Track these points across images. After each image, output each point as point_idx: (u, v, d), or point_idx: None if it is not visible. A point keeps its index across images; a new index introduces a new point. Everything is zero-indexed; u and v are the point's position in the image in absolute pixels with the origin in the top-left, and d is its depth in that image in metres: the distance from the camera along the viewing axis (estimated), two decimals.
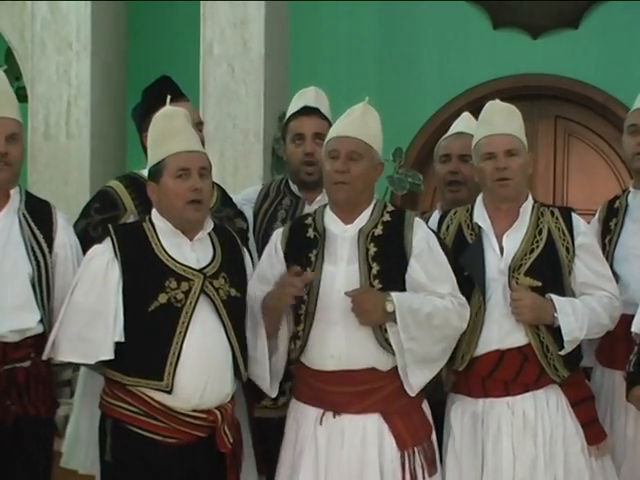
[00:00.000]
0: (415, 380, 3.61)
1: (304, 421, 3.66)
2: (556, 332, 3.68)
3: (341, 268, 3.65)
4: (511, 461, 3.65)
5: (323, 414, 3.61)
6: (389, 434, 3.60)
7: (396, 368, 3.62)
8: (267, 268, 3.74)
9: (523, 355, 3.70)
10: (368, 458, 3.58)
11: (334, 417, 3.61)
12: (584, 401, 3.79)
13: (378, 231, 3.67)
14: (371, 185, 3.75)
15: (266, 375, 3.67)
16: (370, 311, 3.56)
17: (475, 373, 3.74)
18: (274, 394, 3.74)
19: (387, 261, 3.63)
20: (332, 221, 3.71)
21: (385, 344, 3.59)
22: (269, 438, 3.90)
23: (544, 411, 3.69)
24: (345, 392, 3.60)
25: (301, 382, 3.71)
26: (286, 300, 3.58)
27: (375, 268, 3.62)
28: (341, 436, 3.60)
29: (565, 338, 3.66)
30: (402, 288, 3.63)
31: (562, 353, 3.68)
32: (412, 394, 3.63)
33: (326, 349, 3.60)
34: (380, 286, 3.60)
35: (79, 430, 3.99)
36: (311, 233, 3.71)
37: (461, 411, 3.77)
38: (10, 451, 3.60)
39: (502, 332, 3.70)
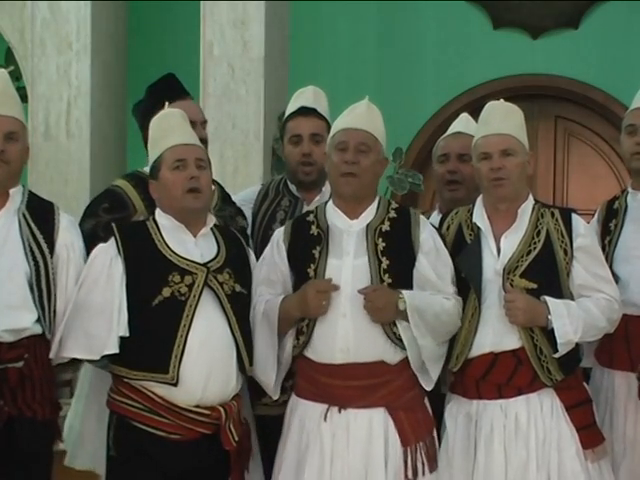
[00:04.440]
0: (435, 375, 3.67)
1: (307, 418, 3.65)
2: (550, 335, 3.65)
3: (347, 262, 3.64)
4: (502, 464, 3.64)
5: (328, 409, 3.61)
6: (394, 429, 3.61)
7: (404, 362, 3.64)
8: (271, 269, 3.73)
9: (517, 358, 3.68)
10: (374, 453, 3.59)
11: (339, 412, 3.60)
12: (580, 404, 3.75)
13: (385, 227, 3.69)
14: (377, 180, 3.77)
15: (272, 380, 3.68)
16: (383, 309, 3.58)
17: (469, 375, 3.73)
18: (277, 396, 3.74)
19: (396, 256, 3.65)
20: (336, 216, 3.71)
21: (394, 338, 3.61)
22: (268, 435, 3.88)
23: (537, 415, 3.67)
24: (352, 386, 3.60)
25: (303, 378, 3.70)
26: (323, 312, 3.58)
27: (385, 263, 3.63)
28: (346, 431, 3.59)
29: (559, 341, 3.64)
30: (410, 284, 3.66)
31: (556, 356, 3.66)
32: (429, 388, 3.68)
33: (335, 342, 3.60)
34: (390, 281, 3.61)
35: (84, 429, 3.96)
36: (314, 230, 3.71)
37: (456, 411, 3.77)
38: (3, 453, 3.57)
39: (496, 334, 3.68)
